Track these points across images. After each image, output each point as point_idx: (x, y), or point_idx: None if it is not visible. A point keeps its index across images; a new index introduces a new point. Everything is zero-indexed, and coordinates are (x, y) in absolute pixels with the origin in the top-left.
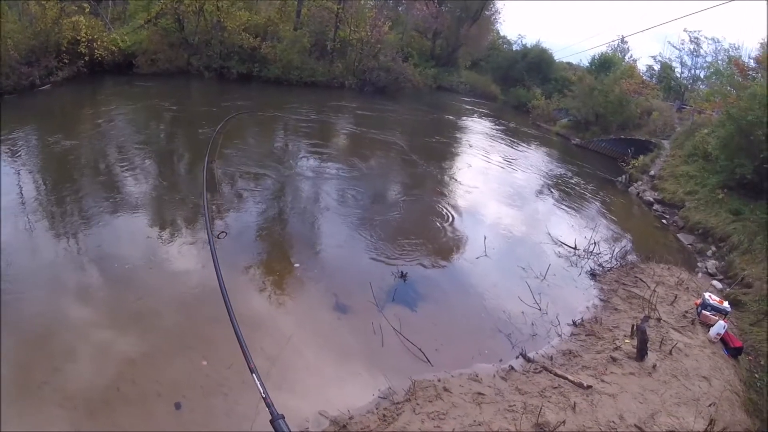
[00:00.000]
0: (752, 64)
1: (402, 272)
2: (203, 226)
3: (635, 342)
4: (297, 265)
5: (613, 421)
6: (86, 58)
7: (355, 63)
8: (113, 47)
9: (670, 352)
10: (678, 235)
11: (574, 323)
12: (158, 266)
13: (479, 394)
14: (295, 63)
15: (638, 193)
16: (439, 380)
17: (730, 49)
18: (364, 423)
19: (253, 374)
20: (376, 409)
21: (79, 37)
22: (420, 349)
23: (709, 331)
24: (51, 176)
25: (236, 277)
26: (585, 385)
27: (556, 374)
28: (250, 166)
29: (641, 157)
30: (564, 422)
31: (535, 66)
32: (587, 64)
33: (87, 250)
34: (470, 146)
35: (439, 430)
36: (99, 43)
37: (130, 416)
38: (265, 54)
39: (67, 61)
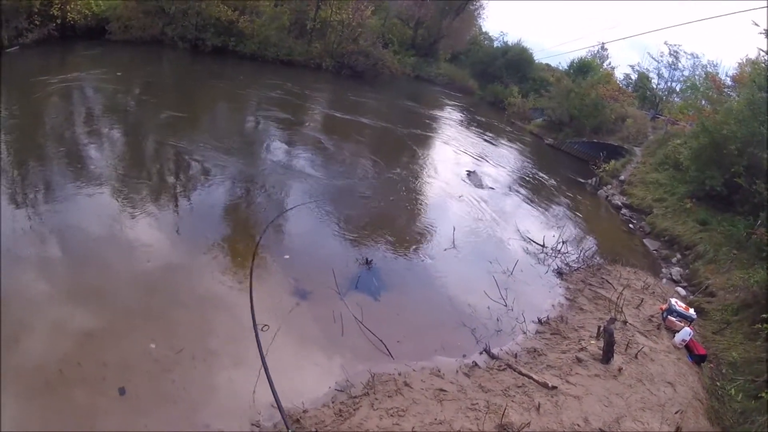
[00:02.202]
0: (729, 82)
1: (367, 259)
2: (167, 203)
3: (601, 343)
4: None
5: (578, 424)
6: (58, 21)
7: (334, 45)
8: (87, 11)
9: (636, 356)
10: (644, 240)
11: (540, 321)
12: (118, 242)
13: (441, 390)
14: (273, 40)
15: (607, 197)
16: (399, 374)
17: (708, 66)
18: (319, 418)
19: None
20: (333, 402)
21: None
22: (381, 341)
23: (674, 336)
24: (11, 145)
25: (196, 256)
26: (550, 385)
27: (520, 373)
28: (218, 145)
29: (612, 162)
30: (528, 424)
31: (515, 64)
32: (566, 67)
33: (46, 224)
34: (444, 138)
35: (398, 428)
36: (72, 5)
37: (71, 402)
38: (242, 28)
39: (38, 23)
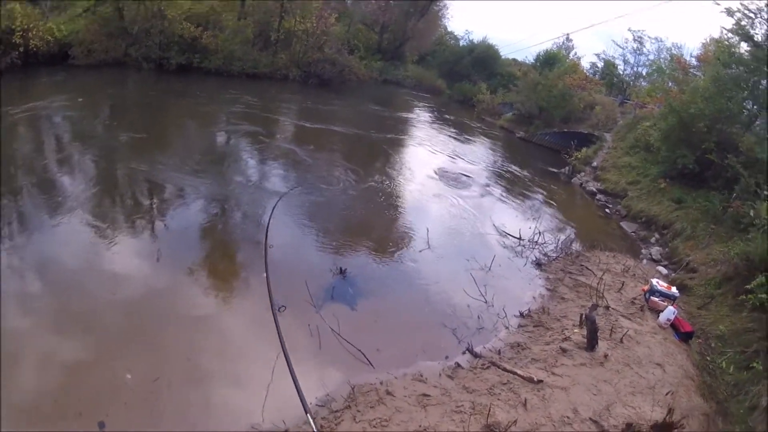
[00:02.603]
0: (694, 62)
1: (341, 268)
2: (143, 228)
3: (584, 331)
4: (239, 264)
5: (568, 416)
6: (21, 49)
7: (299, 54)
8: (49, 37)
9: (621, 340)
10: (621, 223)
11: (521, 314)
12: (97, 270)
13: (424, 395)
14: (238, 54)
15: (581, 184)
16: (381, 383)
17: (673, 48)
18: None
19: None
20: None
21: (14, 27)
22: (360, 350)
23: (658, 317)
24: None
25: (176, 278)
26: (535, 379)
27: (505, 369)
28: (189, 165)
29: (584, 150)
30: (515, 421)
31: (481, 61)
32: (532, 61)
33: (24, 257)
34: (415, 139)
35: None
36: (34, 32)
37: None
38: (206, 44)
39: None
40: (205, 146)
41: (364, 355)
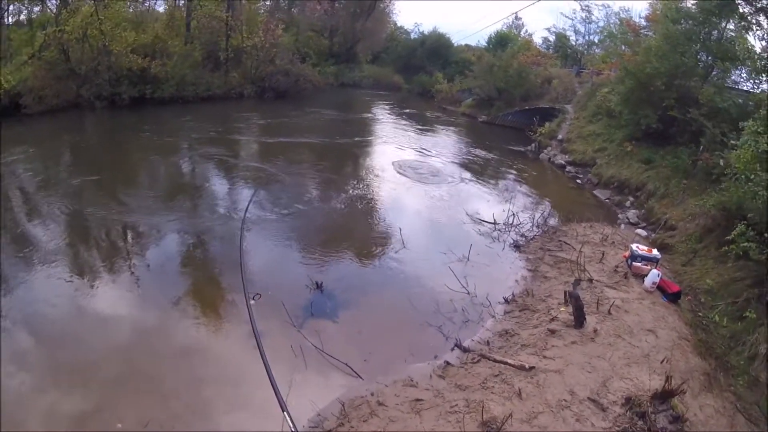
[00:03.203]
0: (643, 23)
1: (317, 283)
2: (122, 268)
3: (571, 309)
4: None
5: (565, 399)
6: None
7: (251, 70)
8: None
9: (609, 312)
10: (594, 191)
11: (506, 300)
12: (85, 318)
13: (417, 400)
14: (189, 78)
15: (549, 159)
16: (372, 394)
17: (621, 12)
18: None
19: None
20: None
21: None
22: (347, 364)
23: (643, 281)
24: None
25: (159, 311)
26: (527, 366)
27: (495, 360)
28: (157, 198)
29: (547, 124)
30: (511, 414)
31: (435, 51)
32: (485, 44)
33: (8, 315)
34: (380, 138)
35: None
36: None
37: None
38: (156, 74)
39: None
40: (170, 177)
41: (351, 368)
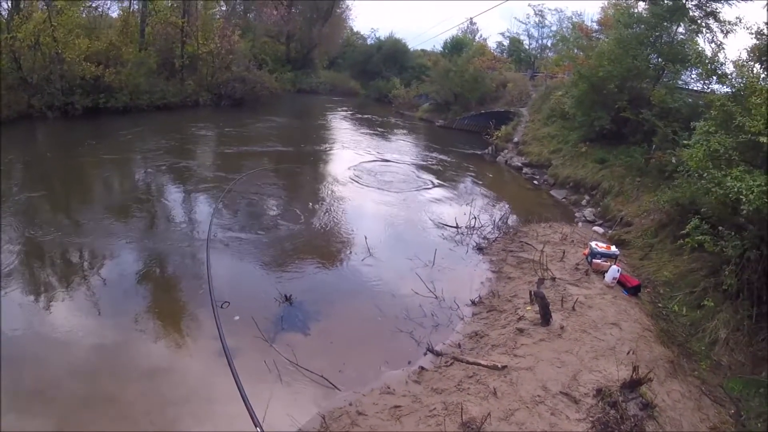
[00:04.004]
0: (595, 27)
1: (286, 296)
2: (79, 287)
3: (536, 308)
4: (185, 307)
5: (539, 395)
6: None
7: (207, 77)
8: None
9: (573, 308)
10: (551, 192)
11: (473, 302)
12: (44, 338)
13: (396, 407)
14: (143, 87)
15: (506, 161)
16: (350, 404)
17: (573, 17)
18: None
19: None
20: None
21: None
22: (322, 376)
23: (604, 277)
24: None
25: (120, 331)
26: (500, 366)
27: (468, 362)
28: (112, 213)
29: (503, 128)
30: (490, 413)
31: (391, 57)
32: (441, 49)
33: None
34: (339, 145)
35: None
36: None
37: None
38: (109, 82)
39: None
40: (125, 192)
41: (327, 380)
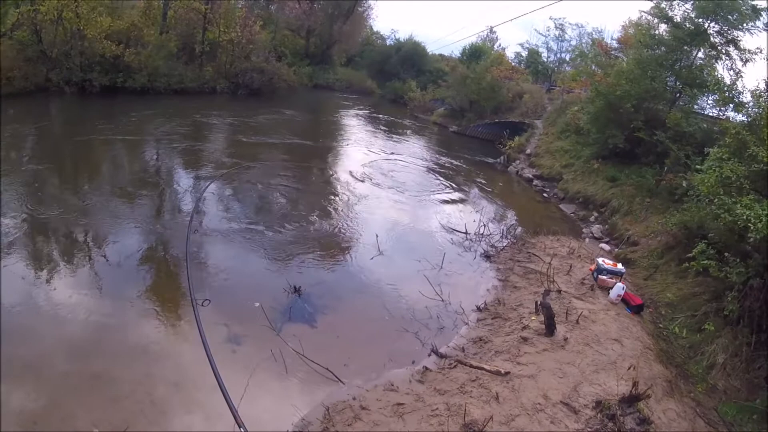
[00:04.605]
0: (615, 45)
1: (295, 287)
2: (81, 263)
3: (541, 318)
4: (185, 292)
5: (539, 403)
6: None
7: (226, 65)
8: None
9: (577, 322)
10: (560, 205)
11: (479, 308)
12: (41, 311)
13: (399, 404)
14: (162, 70)
15: (517, 172)
16: (354, 399)
17: (594, 33)
18: None
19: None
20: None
21: None
22: (327, 369)
23: (609, 294)
24: None
25: (117, 313)
26: (503, 371)
27: (472, 366)
28: (122, 192)
29: (517, 138)
30: (492, 417)
31: (409, 59)
32: (459, 55)
33: None
34: (353, 143)
35: None
36: None
37: None
38: (129, 62)
39: None
40: (136, 171)
41: (332, 373)
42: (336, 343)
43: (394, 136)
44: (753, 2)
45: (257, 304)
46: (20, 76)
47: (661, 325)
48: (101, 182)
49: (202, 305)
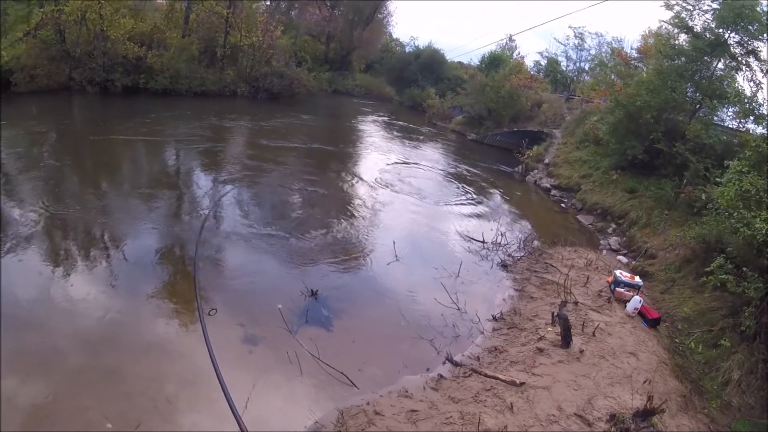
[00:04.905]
0: (634, 54)
1: (312, 290)
2: (98, 259)
3: (558, 329)
4: (200, 295)
5: (553, 414)
6: None
7: (247, 69)
8: None
9: (594, 334)
10: (578, 216)
11: (494, 318)
12: (55, 304)
13: (413, 411)
14: (184, 72)
15: (535, 181)
16: (368, 404)
17: (613, 42)
18: None
19: None
20: None
21: None
22: (342, 373)
23: (625, 307)
24: None
25: (132, 311)
26: (518, 382)
27: (486, 375)
28: (141, 191)
29: (535, 147)
30: (506, 427)
31: (428, 66)
32: (478, 63)
33: None
34: (371, 149)
35: None
36: None
37: None
38: (151, 64)
39: None
40: (155, 172)
41: (347, 377)
42: (351, 348)
43: (412, 142)
44: None
45: (279, 306)
46: (43, 74)
47: (677, 340)
48: (120, 181)
49: (209, 314)
